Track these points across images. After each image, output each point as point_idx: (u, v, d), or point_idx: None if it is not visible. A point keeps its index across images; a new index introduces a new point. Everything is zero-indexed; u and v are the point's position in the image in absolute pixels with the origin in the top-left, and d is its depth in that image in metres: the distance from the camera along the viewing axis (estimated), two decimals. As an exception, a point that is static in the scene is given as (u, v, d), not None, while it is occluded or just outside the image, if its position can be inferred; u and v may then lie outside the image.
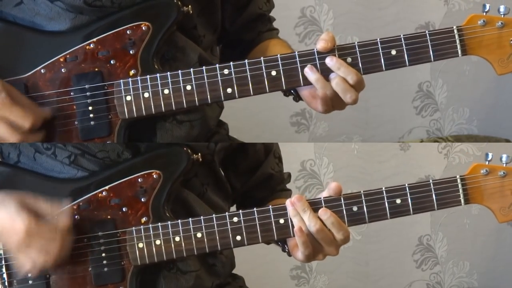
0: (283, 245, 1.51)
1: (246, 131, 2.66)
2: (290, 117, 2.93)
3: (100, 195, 1.42)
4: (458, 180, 1.47)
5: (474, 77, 3.14)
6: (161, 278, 1.45)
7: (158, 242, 1.42)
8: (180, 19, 1.44)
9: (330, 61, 1.44)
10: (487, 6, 1.45)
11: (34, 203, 1.38)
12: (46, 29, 1.43)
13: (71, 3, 1.41)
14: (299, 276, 2.89)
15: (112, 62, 1.43)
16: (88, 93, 1.43)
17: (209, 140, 1.57)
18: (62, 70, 1.43)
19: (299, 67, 1.45)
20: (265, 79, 1.44)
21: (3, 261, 1.42)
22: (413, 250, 3.04)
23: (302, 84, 1.45)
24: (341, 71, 1.43)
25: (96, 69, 1.43)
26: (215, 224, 1.43)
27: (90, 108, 1.43)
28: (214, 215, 1.44)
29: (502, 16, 1.46)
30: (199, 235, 1.43)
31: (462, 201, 1.47)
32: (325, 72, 1.45)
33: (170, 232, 1.42)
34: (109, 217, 1.42)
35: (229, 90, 1.44)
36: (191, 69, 1.43)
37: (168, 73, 1.43)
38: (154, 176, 1.43)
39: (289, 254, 1.51)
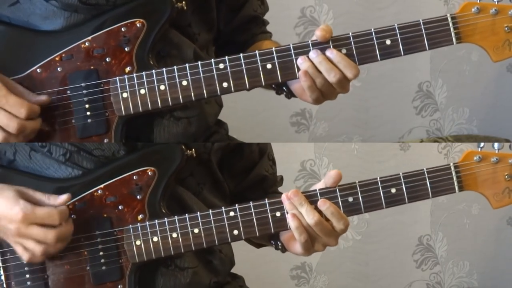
0: (276, 242, 1.51)
1: (246, 131, 2.66)
2: (290, 117, 2.93)
3: (95, 193, 1.42)
4: (452, 168, 1.47)
5: (474, 77, 3.14)
6: (159, 275, 1.46)
7: (155, 239, 1.42)
8: (174, 15, 1.45)
9: (331, 54, 1.44)
10: None
11: (32, 193, 1.39)
12: (41, 29, 1.44)
13: (66, 1, 1.41)
14: (299, 276, 2.89)
15: (107, 59, 1.43)
16: (84, 91, 1.43)
17: (208, 139, 1.57)
18: (58, 69, 1.43)
19: (294, 59, 1.45)
20: (261, 72, 1.45)
21: (0, 262, 1.42)
22: (413, 250, 3.04)
23: (297, 77, 1.45)
24: (341, 65, 1.43)
25: (92, 67, 1.43)
26: (212, 220, 1.43)
27: (87, 106, 1.43)
28: (210, 211, 1.44)
29: (496, 2, 1.46)
30: (196, 230, 1.43)
31: (456, 188, 1.47)
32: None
33: (167, 228, 1.42)
34: (105, 215, 1.43)
35: (225, 84, 1.44)
36: (187, 65, 1.43)
37: (164, 69, 1.43)
38: (149, 173, 1.43)
39: (283, 250, 1.51)
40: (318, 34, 1.44)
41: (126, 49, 1.43)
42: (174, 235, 1.43)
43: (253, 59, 1.45)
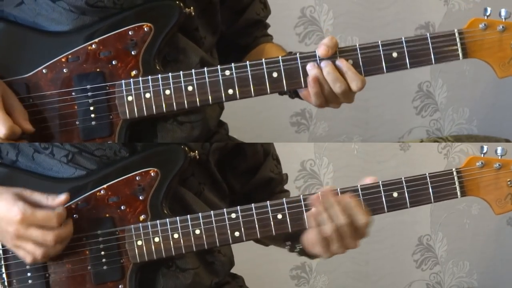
0: (293, 245, 1.52)
1: (246, 131, 2.66)
2: (290, 117, 2.93)
3: (98, 193, 1.43)
4: (454, 173, 1.47)
5: (474, 77, 3.14)
6: (159, 276, 1.46)
7: (157, 239, 1.42)
8: (182, 20, 1.45)
9: (340, 63, 1.44)
10: (489, 10, 1.46)
11: (30, 195, 1.39)
12: (48, 30, 1.44)
13: (74, 3, 1.41)
14: (299, 276, 2.89)
15: (113, 62, 1.43)
16: (89, 94, 1.43)
17: (209, 139, 1.57)
18: (64, 70, 1.43)
19: (300, 68, 1.45)
20: (266, 80, 1.45)
21: (2, 261, 1.42)
22: (413, 250, 3.05)
23: (303, 86, 1.45)
24: (348, 75, 1.44)
25: (98, 70, 1.43)
26: (213, 221, 1.44)
27: (92, 108, 1.43)
28: (212, 212, 1.44)
29: (503, 20, 1.47)
30: (197, 231, 1.43)
31: (459, 193, 1.47)
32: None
33: (169, 229, 1.43)
34: (107, 215, 1.43)
35: (230, 91, 1.44)
36: (193, 70, 1.44)
37: (170, 74, 1.43)
38: (152, 174, 1.43)
39: (301, 253, 1.52)
40: (319, 53, 1.44)
41: (132, 52, 1.43)
42: (176, 235, 1.43)
43: (259, 67, 1.45)
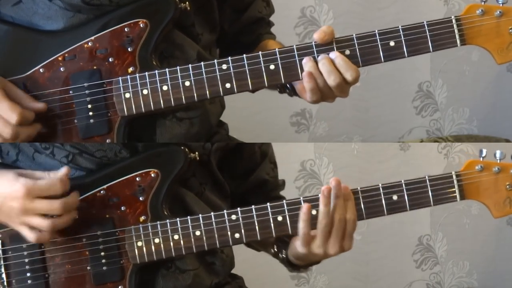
0: (281, 249, 1.51)
1: (246, 131, 2.65)
2: (290, 117, 2.93)
3: (98, 194, 1.43)
4: (454, 176, 1.48)
5: (474, 77, 3.14)
6: (159, 276, 1.46)
7: (157, 240, 1.42)
8: (178, 16, 1.45)
9: (333, 55, 1.44)
10: None
11: (31, 172, 1.39)
12: (44, 28, 1.44)
13: (69, 1, 1.41)
14: (299, 276, 2.89)
15: (110, 60, 1.43)
16: (87, 91, 1.43)
17: (210, 140, 1.57)
18: (61, 69, 1.43)
19: (297, 60, 1.45)
20: (264, 73, 1.44)
21: (2, 261, 1.42)
22: (413, 250, 3.04)
23: (300, 78, 1.45)
24: (342, 67, 1.43)
25: (95, 67, 1.43)
26: (213, 222, 1.43)
27: (89, 106, 1.43)
28: (212, 213, 1.44)
29: (501, 5, 1.46)
30: (197, 233, 1.43)
31: (458, 197, 1.48)
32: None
33: (169, 230, 1.42)
34: (107, 216, 1.43)
35: (228, 85, 1.44)
36: (190, 65, 1.43)
37: (167, 69, 1.43)
38: (152, 175, 1.43)
39: (282, 261, 1.52)
40: (315, 37, 1.43)
41: (129, 49, 1.43)
42: (176, 236, 1.43)
43: (256, 60, 1.45)
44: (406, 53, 1.46)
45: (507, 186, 1.47)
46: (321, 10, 2.89)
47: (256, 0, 1.67)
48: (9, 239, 1.42)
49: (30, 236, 1.37)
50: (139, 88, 1.43)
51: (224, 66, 1.44)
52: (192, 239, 1.43)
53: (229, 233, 1.44)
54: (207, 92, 1.44)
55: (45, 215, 1.36)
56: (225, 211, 1.44)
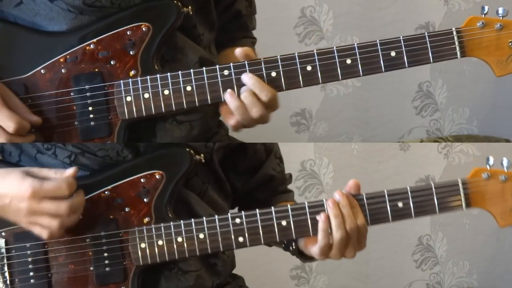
0: (289, 244, 1.51)
1: (246, 131, 2.65)
2: (290, 117, 2.93)
3: (102, 194, 1.43)
4: (460, 185, 1.47)
5: (474, 77, 3.14)
6: (162, 278, 1.46)
7: (160, 242, 1.42)
8: (180, 20, 1.45)
9: (246, 77, 1.44)
10: (486, 8, 1.46)
11: (38, 171, 1.39)
12: (47, 29, 1.43)
13: (71, 3, 1.41)
14: (299, 276, 2.89)
15: (112, 62, 1.43)
16: (88, 94, 1.43)
17: (209, 140, 1.57)
18: (62, 70, 1.43)
19: (298, 68, 1.45)
20: (265, 80, 1.45)
21: (5, 259, 1.42)
22: (413, 250, 3.04)
23: (302, 86, 1.45)
24: (256, 87, 1.44)
25: (96, 70, 1.43)
26: (217, 225, 1.43)
27: (90, 108, 1.43)
28: (216, 216, 1.44)
29: (501, 18, 1.47)
30: (201, 236, 1.43)
31: (464, 205, 1.47)
32: None
33: (173, 232, 1.42)
34: (111, 217, 1.43)
35: (229, 91, 1.44)
36: (191, 70, 1.44)
37: (168, 74, 1.43)
38: (157, 177, 1.43)
39: (293, 253, 1.51)
40: (237, 53, 1.45)
41: (131, 52, 1.43)
42: (179, 239, 1.43)
43: (258, 66, 1.45)
44: (406, 63, 1.46)
45: (514, 195, 1.47)
46: (321, 10, 2.89)
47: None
48: (13, 238, 1.42)
49: (42, 233, 1.38)
50: (141, 91, 1.43)
51: (226, 72, 1.44)
52: (196, 242, 1.43)
53: (232, 236, 1.44)
54: (208, 97, 1.44)
55: (53, 215, 1.36)
56: (229, 214, 1.44)
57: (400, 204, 1.46)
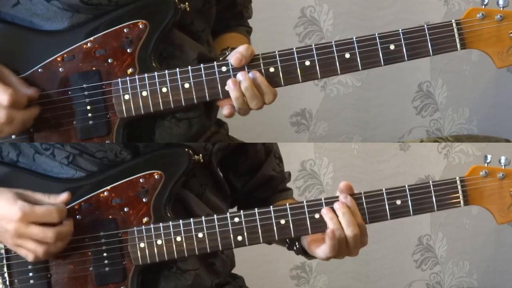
0: (292, 243, 1.51)
1: (246, 131, 2.66)
2: (290, 117, 2.93)
3: (101, 195, 1.43)
4: (458, 182, 1.47)
5: (474, 77, 3.14)
6: (161, 277, 1.46)
7: (159, 242, 1.42)
8: (178, 17, 1.44)
9: (253, 75, 1.44)
10: None
11: (31, 194, 1.39)
12: (44, 29, 1.43)
13: (68, 2, 1.41)
14: (299, 276, 2.89)
15: (109, 61, 1.43)
16: (86, 93, 1.43)
17: (209, 140, 1.57)
18: (60, 69, 1.43)
19: (297, 63, 1.45)
20: (264, 75, 1.44)
21: (4, 260, 1.42)
22: (413, 250, 3.04)
23: (300, 81, 1.45)
24: (262, 88, 1.44)
25: (94, 68, 1.43)
26: (216, 225, 1.43)
27: (88, 107, 1.43)
28: (215, 216, 1.44)
29: (501, 9, 1.46)
30: (200, 235, 1.43)
31: (462, 202, 1.47)
32: None
33: (172, 232, 1.42)
34: (110, 217, 1.43)
35: (227, 87, 1.44)
36: (189, 67, 1.43)
37: (166, 71, 1.43)
38: (156, 177, 1.43)
39: (298, 253, 1.52)
40: (232, 60, 1.43)
41: (128, 50, 1.43)
42: (178, 238, 1.43)
43: (256, 62, 1.45)
44: (406, 56, 1.45)
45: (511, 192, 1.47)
46: (321, 10, 2.89)
47: None
48: (12, 239, 1.42)
49: (27, 256, 1.38)
50: (138, 89, 1.43)
51: (224, 69, 1.44)
52: (195, 242, 1.43)
53: (231, 235, 1.44)
54: (207, 94, 1.44)
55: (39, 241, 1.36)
56: (228, 213, 1.44)
57: (398, 202, 1.46)
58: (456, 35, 1.45)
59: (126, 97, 1.43)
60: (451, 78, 3.12)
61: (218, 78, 1.44)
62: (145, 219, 1.43)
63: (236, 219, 1.44)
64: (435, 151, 3.01)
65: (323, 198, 1.45)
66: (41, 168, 1.44)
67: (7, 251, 1.42)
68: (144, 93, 1.43)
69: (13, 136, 1.43)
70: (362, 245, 1.47)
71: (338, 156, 2.88)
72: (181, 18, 1.46)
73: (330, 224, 1.43)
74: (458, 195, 1.47)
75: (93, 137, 1.44)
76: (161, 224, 1.42)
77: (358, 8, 2.94)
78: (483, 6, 1.45)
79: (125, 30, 1.43)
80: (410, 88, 3.10)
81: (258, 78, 1.43)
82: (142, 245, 1.42)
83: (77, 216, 1.42)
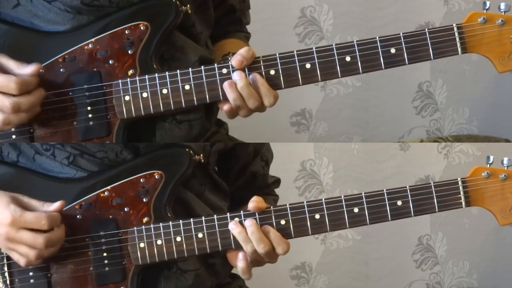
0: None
1: (246, 131, 2.66)
2: (290, 117, 2.93)
3: (102, 195, 1.43)
4: (459, 183, 1.47)
5: (474, 77, 3.13)
6: (161, 277, 1.46)
7: (159, 242, 1.42)
8: (179, 19, 1.44)
9: (253, 77, 1.44)
10: (488, 3, 1.45)
11: (27, 200, 1.39)
12: (45, 30, 1.43)
13: (69, 3, 1.41)
14: (299, 276, 2.89)
15: (110, 62, 1.43)
16: (86, 93, 1.43)
17: (209, 140, 1.57)
18: (61, 70, 1.43)
19: (297, 66, 1.45)
20: (264, 78, 1.44)
21: (5, 260, 1.42)
22: (413, 250, 3.04)
23: (301, 84, 1.45)
24: (261, 91, 1.44)
25: (95, 69, 1.43)
26: (216, 225, 1.43)
27: (89, 108, 1.43)
28: (215, 216, 1.44)
29: (503, 13, 1.45)
30: (200, 235, 1.43)
31: (463, 203, 1.47)
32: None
33: (172, 232, 1.43)
34: (110, 217, 1.43)
35: (228, 81, 1.44)
36: (190, 69, 1.43)
37: (167, 73, 1.43)
38: (156, 177, 1.43)
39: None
40: (234, 63, 1.43)
41: (129, 51, 1.43)
42: (178, 239, 1.43)
43: (257, 64, 1.45)
44: (407, 60, 1.45)
45: (514, 194, 1.47)
46: (321, 10, 2.88)
47: None
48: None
49: (19, 260, 1.39)
50: (139, 91, 1.43)
51: (224, 71, 1.44)
52: (195, 242, 1.43)
53: (231, 236, 1.44)
54: (207, 96, 1.44)
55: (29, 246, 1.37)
56: (228, 214, 1.44)
57: (399, 203, 1.46)
58: (457, 39, 1.45)
59: (127, 98, 1.43)
60: (451, 78, 3.12)
61: (218, 80, 1.44)
62: (145, 219, 1.43)
63: (236, 220, 1.44)
64: (435, 151, 3.01)
65: (323, 198, 1.45)
66: (42, 168, 1.45)
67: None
68: (145, 94, 1.43)
69: (13, 136, 1.43)
70: (283, 252, 1.46)
71: (338, 156, 2.88)
72: (182, 20, 1.46)
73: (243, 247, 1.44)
74: (459, 196, 1.46)
75: (93, 137, 1.44)
76: (161, 224, 1.43)
77: (358, 8, 2.94)
78: (485, 11, 1.45)
79: (126, 32, 1.43)
80: (410, 88, 3.10)
81: (259, 80, 1.43)
82: (142, 245, 1.43)
83: (78, 216, 1.42)
